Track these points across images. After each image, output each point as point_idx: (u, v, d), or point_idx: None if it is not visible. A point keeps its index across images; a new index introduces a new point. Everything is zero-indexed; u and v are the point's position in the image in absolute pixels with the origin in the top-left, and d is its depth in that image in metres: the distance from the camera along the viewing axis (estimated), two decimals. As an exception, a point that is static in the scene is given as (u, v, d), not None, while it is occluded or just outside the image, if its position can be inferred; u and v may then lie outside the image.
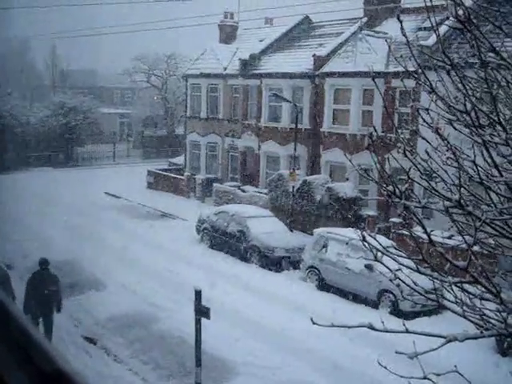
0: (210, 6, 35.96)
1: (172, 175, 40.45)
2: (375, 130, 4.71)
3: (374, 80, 5.64)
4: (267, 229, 24.64)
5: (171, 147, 56.18)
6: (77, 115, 51.25)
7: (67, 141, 51.67)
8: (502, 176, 4.62)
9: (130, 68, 61.44)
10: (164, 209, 34.02)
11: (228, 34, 42.36)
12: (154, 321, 17.64)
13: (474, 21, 4.59)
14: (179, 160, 44.72)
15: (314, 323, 4.84)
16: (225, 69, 38.18)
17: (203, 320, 12.39)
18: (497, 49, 4.57)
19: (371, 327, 4.71)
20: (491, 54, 4.69)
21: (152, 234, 27.83)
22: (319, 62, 31.78)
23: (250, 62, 36.18)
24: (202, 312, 12.33)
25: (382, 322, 4.86)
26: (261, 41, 38.00)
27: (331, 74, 30.91)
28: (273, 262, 23.54)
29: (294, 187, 28.58)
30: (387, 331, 4.81)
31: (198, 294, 12.39)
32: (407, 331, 4.78)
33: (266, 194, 31.27)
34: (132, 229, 28.86)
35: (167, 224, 31.21)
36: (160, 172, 41.76)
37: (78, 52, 64.01)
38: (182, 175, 39.46)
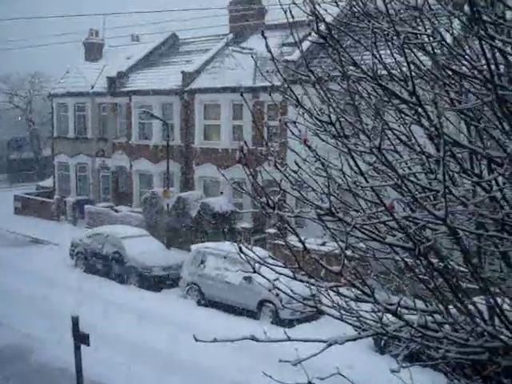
0: (74, 23, 35.03)
1: (41, 199, 38.98)
2: (246, 144, 4.78)
3: (242, 95, 5.73)
4: (143, 248, 24.29)
5: (39, 170, 54.00)
6: None
7: None
8: (367, 183, 4.83)
9: (-10, 89, 58.50)
10: (34, 234, 32.66)
11: (94, 51, 41.48)
12: (31, 353, 16.88)
13: (335, 36, 4.79)
14: (48, 183, 43.13)
15: (196, 340, 4.81)
16: (92, 87, 37.38)
17: (84, 347, 11.97)
18: (357, 62, 4.79)
19: (254, 339, 4.74)
20: (352, 67, 4.91)
21: (23, 262, 26.59)
22: (188, 78, 31.90)
23: (118, 79, 35.66)
24: (81, 339, 11.91)
25: (265, 333, 4.92)
26: (128, 58, 37.55)
27: (200, 90, 31.12)
28: (151, 281, 23.21)
29: (168, 204, 28.39)
30: (270, 341, 4.86)
31: (76, 320, 11.96)
32: (289, 339, 4.87)
33: (140, 212, 30.83)
34: (1, 257, 27.39)
35: (38, 250, 29.97)
36: (28, 196, 40.12)
37: None
38: (52, 198, 38.10)
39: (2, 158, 59.03)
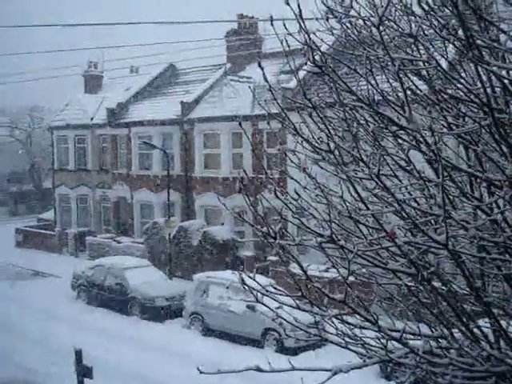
0: (72, 56, 35.39)
1: (42, 231, 38.96)
2: (245, 173, 4.79)
3: (240, 124, 5.76)
4: (146, 279, 24.18)
5: (40, 202, 54.04)
6: None
7: None
8: (368, 209, 4.83)
9: (-10, 123, 58.86)
10: (36, 267, 32.54)
11: (93, 83, 41.84)
12: (33, 387, 16.67)
13: (331, 64, 4.83)
14: (49, 215, 43.12)
15: (200, 372, 4.76)
16: (92, 119, 37.57)
17: (87, 380, 11.87)
18: (353, 90, 4.81)
19: (258, 369, 4.69)
20: (348, 95, 4.94)
21: (25, 295, 26.45)
22: (187, 108, 32.07)
23: (118, 110, 35.86)
24: (83, 372, 11.82)
25: (269, 363, 4.87)
26: (127, 89, 37.80)
27: (199, 120, 31.27)
28: (154, 312, 23.07)
29: (170, 234, 28.33)
30: (274, 371, 4.81)
31: (79, 353, 11.88)
32: (294, 369, 4.82)
33: (142, 243, 30.76)
34: (2, 291, 27.25)
35: (40, 283, 29.84)
36: (29, 229, 40.09)
37: None
38: (53, 231, 38.07)
39: (2, 191, 59.16)
